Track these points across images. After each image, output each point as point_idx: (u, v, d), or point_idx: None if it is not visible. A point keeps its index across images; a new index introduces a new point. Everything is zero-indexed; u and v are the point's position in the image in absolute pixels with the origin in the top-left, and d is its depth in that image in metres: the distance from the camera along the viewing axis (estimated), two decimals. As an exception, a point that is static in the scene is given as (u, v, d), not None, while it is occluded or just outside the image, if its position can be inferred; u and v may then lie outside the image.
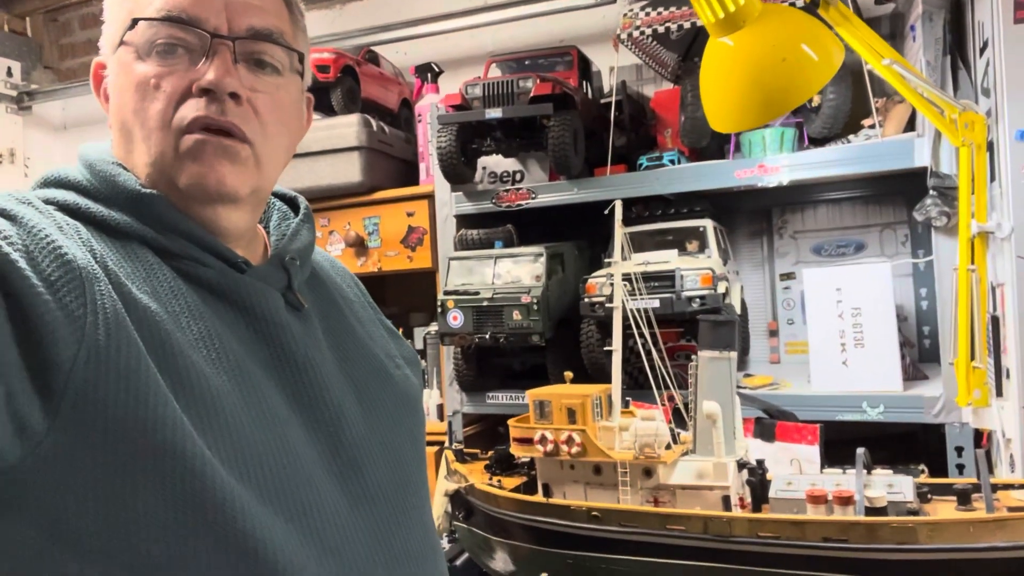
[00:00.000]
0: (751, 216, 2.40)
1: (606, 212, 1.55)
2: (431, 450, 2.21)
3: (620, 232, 1.54)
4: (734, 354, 1.43)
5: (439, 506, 1.78)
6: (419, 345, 2.45)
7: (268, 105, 0.85)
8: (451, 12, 2.69)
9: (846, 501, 1.25)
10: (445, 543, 1.87)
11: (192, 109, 0.80)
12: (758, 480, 1.38)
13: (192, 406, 0.72)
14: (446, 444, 2.16)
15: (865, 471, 1.37)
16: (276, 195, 1.03)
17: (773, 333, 2.40)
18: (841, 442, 1.77)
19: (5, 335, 0.64)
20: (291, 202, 1.03)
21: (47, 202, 0.78)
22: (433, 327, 2.30)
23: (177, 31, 0.80)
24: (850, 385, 1.74)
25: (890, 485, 1.29)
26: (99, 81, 0.88)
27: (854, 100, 1.83)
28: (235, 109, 0.81)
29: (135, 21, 0.81)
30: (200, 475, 0.69)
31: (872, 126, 1.80)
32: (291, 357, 0.85)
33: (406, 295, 2.77)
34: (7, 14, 3.57)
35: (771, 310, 2.39)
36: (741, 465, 1.40)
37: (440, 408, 2.28)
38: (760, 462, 1.44)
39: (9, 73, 3.38)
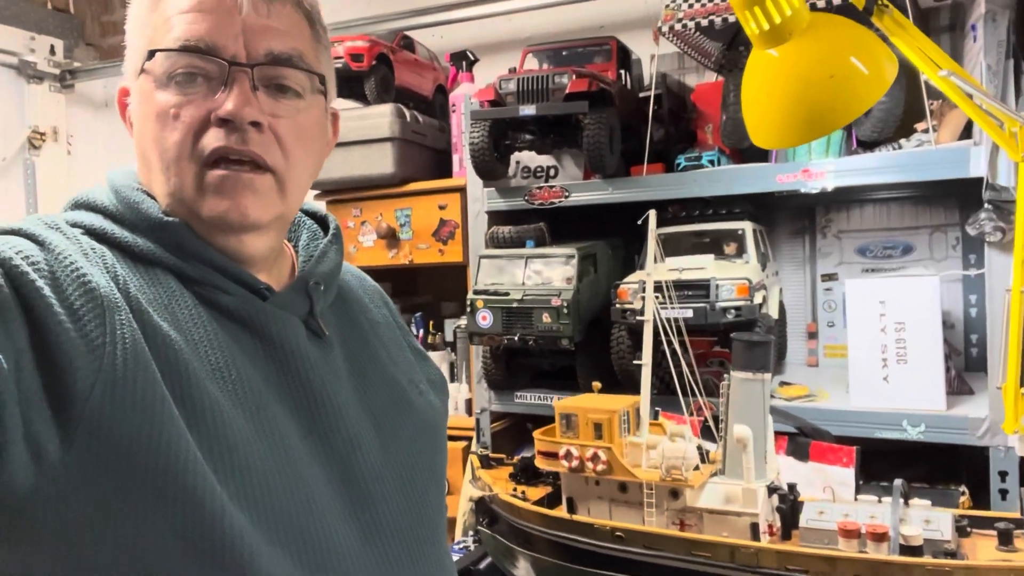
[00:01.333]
0: (794, 214, 2.32)
1: (639, 223, 1.50)
2: (458, 445, 2.21)
3: (653, 243, 1.49)
4: (768, 376, 1.38)
5: (464, 509, 1.78)
6: (449, 337, 2.44)
7: (290, 130, 0.83)
8: (489, -5, 2.63)
9: (880, 537, 1.21)
10: (470, 543, 1.88)
11: (212, 139, 0.79)
12: (789, 506, 1.34)
13: (206, 438, 0.72)
14: (473, 442, 2.15)
15: (902, 500, 1.32)
16: (307, 213, 1.02)
17: (812, 335, 2.33)
18: (879, 454, 1.71)
19: (26, 363, 0.64)
20: (322, 220, 1.02)
21: (75, 225, 0.79)
22: (463, 320, 2.28)
23: (195, 60, 0.79)
24: (891, 402, 1.67)
25: (927, 521, 1.24)
26: (124, 107, 0.89)
27: (908, 101, 1.73)
28: (256, 137, 0.80)
29: (152, 52, 0.80)
30: (211, 512, 0.69)
31: (926, 131, 1.71)
32: (308, 387, 0.84)
33: (438, 284, 2.75)
34: (51, -9, 3.60)
35: (811, 311, 2.32)
36: (772, 490, 1.36)
37: (468, 403, 2.27)
38: (792, 487, 1.39)
39: (52, 51, 3.42)
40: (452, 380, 2.36)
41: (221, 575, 0.69)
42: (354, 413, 0.88)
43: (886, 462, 1.73)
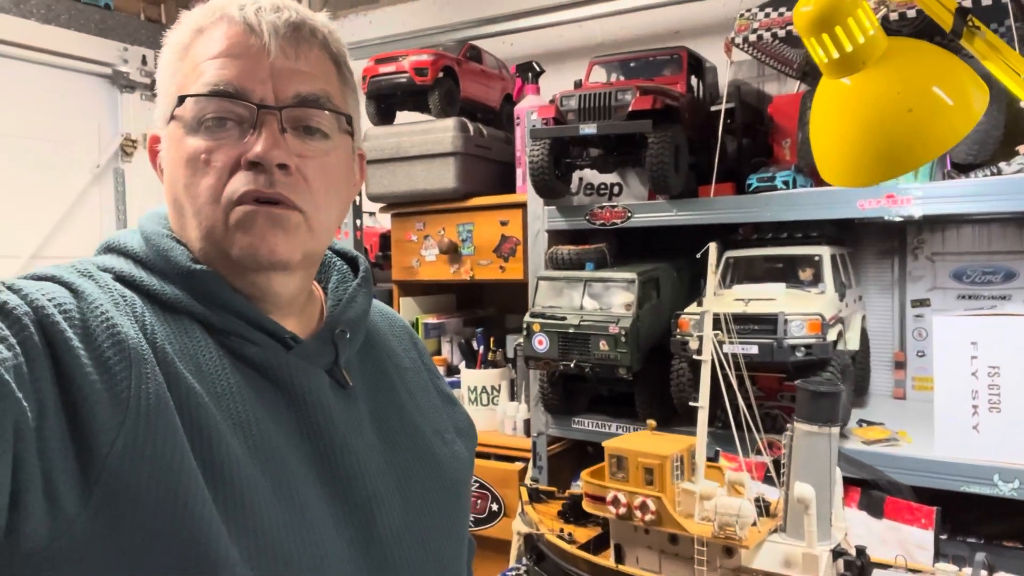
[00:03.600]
0: (882, 233, 2.15)
1: (699, 256, 1.40)
2: (516, 467, 2.17)
3: (713, 279, 1.39)
4: (836, 429, 1.27)
5: (516, 542, 1.74)
6: (510, 354, 2.39)
7: (317, 171, 0.83)
8: (559, 4, 2.55)
9: (956, 621, 1.08)
10: (522, 571, 1.83)
11: (242, 182, 0.79)
12: (856, 574, 1.23)
13: (222, 493, 0.71)
14: (530, 466, 2.10)
15: (985, 573, 1.18)
16: (338, 253, 1.01)
17: (900, 365, 2.16)
18: (965, 507, 1.56)
19: (50, 415, 0.64)
20: (352, 261, 1.00)
21: (106, 270, 0.80)
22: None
23: (224, 104, 0.79)
24: (981, 453, 1.52)
25: (1014, 605, 1.11)
26: (155, 155, 0.89)
27: (1008, 122, 1.56)
28: (284, 179, 0.80)
29: (182, 98, 0.80)
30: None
31: (1030, 154, 1.53)
32: (328, 442, 0.83)
33: (503, 297, 2.71)
34: (143, 2, 3.75)
35: (899, 339, 2.15)
36: (837, 554, 1.25)
37: (527, 424, 2.22)
38: (861, 551, 1.28)
39: (144, 61, 3.56)
40: (512, 399, 2.32)
41: None
42: (375, 469, 0.86)
43: (973, 513, 1.58)
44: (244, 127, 0.79)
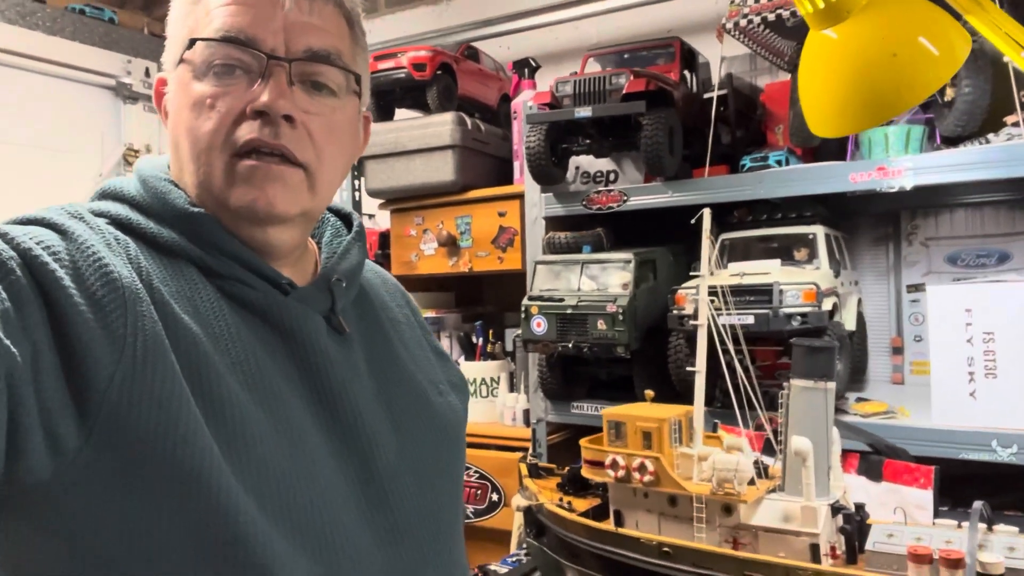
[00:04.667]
0: (876, 219, 2.17)
1: (692, 221, 1.43)
2: (515, 456, 2.16)
3: (707, 243, 1.41)
4: (831, 384, 1.27)
5: (518, 522, 1.73)
6: (509, 347, 2.40)
7: (323, 127, 0.83)
8: (555, 4, 2.61)
9: (955, 564, 1.08)
10: (522, 556, 1.82)
11: (246, 131, 0.79)
12: (854, 528, 1.23)
13: (224, 431, 0.71)
14: (529, 453, 2.10)
15: (984, 526, 1.18)
16: (332, 210, 1.01)
17: (897, 350, 2.16)
18: (965, 478, 1.56)
19: (45, 354, 0.64)
20: (346, 218, 1.01)
21: (101, 214, 0.79)
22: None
23: (234, 51, 0.79)
24: (978, 420, 1.52)
25: (1011, 548, 1.11)
26: (160, 97, 0.90)
27: (995, 93, 1.59)
28: (289, 132, 0.80)
29: (193, 41, 0.80)
30: (226, 508, 0.68)
31: (1016, 124, 1.56)
32: (327, 384, 0.83)
33: (502, 294, 2.72)
34: (147, 17, 3.83)
35: (896, 325, 2.16)
36: (836, 509, 1.25)
37: (526, 413, 2.22)
38: (860, 507, 1.28)
39: (147, 73, 3.62)
40: (511, 390, 2.32)
41: (234, 571, 0.68)
42: (373, 411, 0.87)
43: (973, 487, 1.57)
44: (252, 76, 0.79)
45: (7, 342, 0.60)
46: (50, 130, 3.23)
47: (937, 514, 1.41)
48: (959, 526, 1.21)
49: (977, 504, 1.16)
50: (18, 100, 3.11)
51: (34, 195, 3.13)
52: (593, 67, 2.11)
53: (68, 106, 3.32)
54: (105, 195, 0.84)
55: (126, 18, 3.68)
